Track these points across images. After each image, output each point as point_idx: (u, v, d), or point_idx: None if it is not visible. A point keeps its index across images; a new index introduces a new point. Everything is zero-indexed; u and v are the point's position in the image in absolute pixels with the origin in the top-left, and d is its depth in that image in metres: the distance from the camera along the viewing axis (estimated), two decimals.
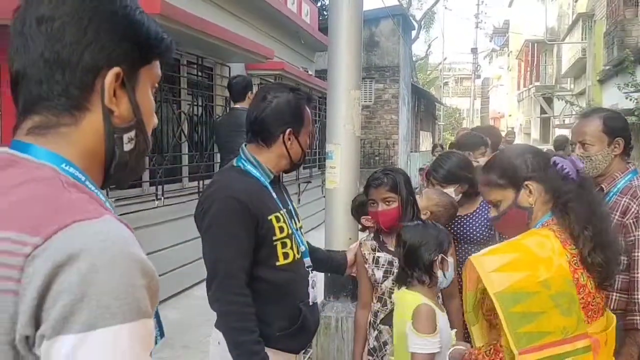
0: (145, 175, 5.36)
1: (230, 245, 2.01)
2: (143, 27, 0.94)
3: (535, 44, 27.93)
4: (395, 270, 2.44)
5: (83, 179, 0.88)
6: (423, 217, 2.61)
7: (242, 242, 2.03)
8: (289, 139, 2.16)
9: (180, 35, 5.10)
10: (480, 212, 2.97)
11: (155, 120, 1.02)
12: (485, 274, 1.64)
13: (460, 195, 2.98)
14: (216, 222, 2.04)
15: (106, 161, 0.93)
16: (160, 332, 1.10)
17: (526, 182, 1.78)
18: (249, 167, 2.16)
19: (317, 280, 2.35)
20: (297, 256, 2.19)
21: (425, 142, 23.08)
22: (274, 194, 2.17)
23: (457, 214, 2.89)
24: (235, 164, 2.20)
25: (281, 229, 2.12)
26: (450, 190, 2.95)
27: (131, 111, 0.93)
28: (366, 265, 2.57)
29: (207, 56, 6.26)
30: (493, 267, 1.65)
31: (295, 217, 2.28)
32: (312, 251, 2.42)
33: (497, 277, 1.62)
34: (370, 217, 2.63)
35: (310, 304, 2.25)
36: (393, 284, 2.44)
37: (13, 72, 0.90)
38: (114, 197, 4.68)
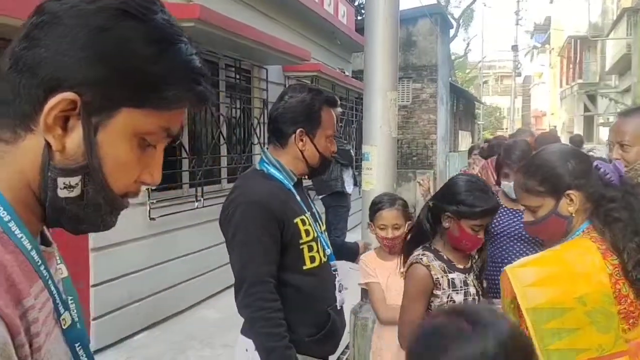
0: (185, 177, 5.46)
1: (256, 251, 1.98)
2: (145, 59, 0.75)
3: (578, 40, 27.26)
4: (471, 289, 2.24)
5: (7, 218, 0.72)
6: None
7: (268, 247, 1.99)
8: (301, 139, 2.11)
9: (218, 39, 5.18)
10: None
11: (153, 178, 0.82)
12: (520, 288, 1.54)
13: None
14: (241, 227, 2.00)
15: (40, 198, 0.76)
16: None
17: (568, 192, 1.66)
18: (272, 170, 2.12)
19: (346, 283, 2.31)
20: (324, 259, 2.16)
21: (464, 142, 22.79)
22: (297, 197, 2.13)
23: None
24: (258, 168, 2.17)
25: (307, 232, 2.08)
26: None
27: (81, 153, 0.74)
28: (439, 292, 2.19)
29: (244, 59, 6.34)
30: (529, 281, 1.55)
31: (319, 220, 2.25)
32: (336, 244, 2.46)
33: (532, 292, 1.53)
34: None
35: (338, 307, 2.21)
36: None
37: None
38: (155, 198, 4.79)
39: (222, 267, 5.54)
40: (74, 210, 0.77)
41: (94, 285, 4.08)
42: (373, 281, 2.71)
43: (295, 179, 2.16)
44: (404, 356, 2.02)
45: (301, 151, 2.12)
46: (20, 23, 0.76)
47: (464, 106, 23.29)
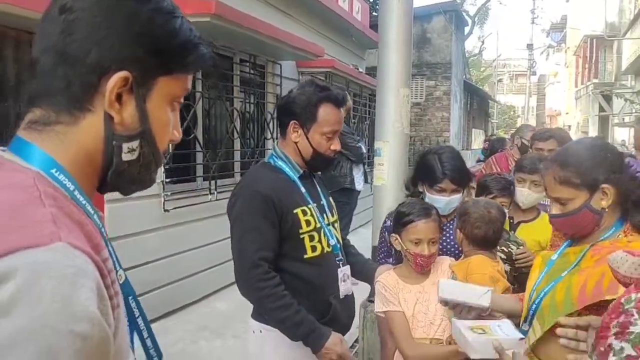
0: (199, 170, 5.53)
1: (253, 237, 2.09)
2: (168, 33, 0.88)
3: (594, 40, 27.03)
4: None
5: (72, 188, 0.83)
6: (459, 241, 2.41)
7: (265, 234, 2.09)
8: (295, 131, 2.20)
9: (233, 34, 5.23)
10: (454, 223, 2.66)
11: (176, 136, 0.96)
12: None
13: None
14: (241, 215, 2.13)
15: (103, 167, 0.88)
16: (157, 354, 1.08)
17: (603, 186, 1.64)
18: (280, 163, 2.24)
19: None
20: (327, 249, 2.23)
21: (478, 140, 22.72)
22: (302, 189, 2.23)
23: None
24: (266, 160, 2.30)
25: (307, 223, 2.18)
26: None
27: (137, 120, 0.88)
28: None
29: (259, 54, 6.39)
30: None
31: (328, 211, 2.33)
32: (351, 255, 2.46)
33: None
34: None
35: (342, 297, 2.28)
36: None
37: (32, 59, 0.87)
38: (170, 190, 4.86)
39: None
40: (132, 172, 0.91)
41: None
42: (394, 309, 2.29)
43: (301, 171, 2.25)
44: None
45: (295, 143, 2.22)
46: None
47: (477, 104, 23.22)
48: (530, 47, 40.13)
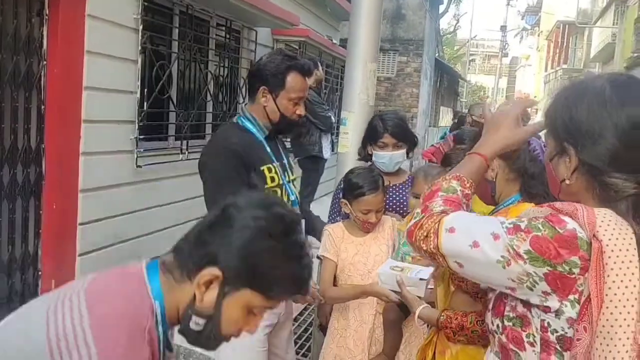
0: (172, 130, 5.68)
1: (225, 188, 2.29)
2: (269, 269, 1.16)
3: (567, 26, 27.52)
4: None
5: (159, 320, 1.16)
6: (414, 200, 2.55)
7: (236, 187, 2.29)
8: (264, 96, 2.40)
9: None
10: (408, 184, 2.94)
11: (251, 332, 1.25)
12: None
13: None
14: (213, 168, 2.35)
15: (178, 321, 1.21)
16: None
17: None
18: (247, 124, 2.45)
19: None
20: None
21: (445, 118, 23.10)
22: (267, 148, 2.45)
23: (387, 184, 2.74)
24: (235, 121, 2.51)
25: (272, 179, 2.41)
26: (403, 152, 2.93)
27: (212, 306, 1.17)
28: None
29: (235, 19, 6.50)
30: None
31: (289, 170, 2.57)
32: (304, 212, 2.73)
33: None
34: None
35: None
36: None
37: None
38: (143, 148, 5.03)
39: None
40: (193, 334, 1.21)
41: (81, 224, 4.33)
42: (329, 257, 2.62)
43: (267, 132, 2.47)
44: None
45: (264, 106, 2.42)
46: None
47: (447, 82, 23.53)
48: (503, 28, 40.48)
